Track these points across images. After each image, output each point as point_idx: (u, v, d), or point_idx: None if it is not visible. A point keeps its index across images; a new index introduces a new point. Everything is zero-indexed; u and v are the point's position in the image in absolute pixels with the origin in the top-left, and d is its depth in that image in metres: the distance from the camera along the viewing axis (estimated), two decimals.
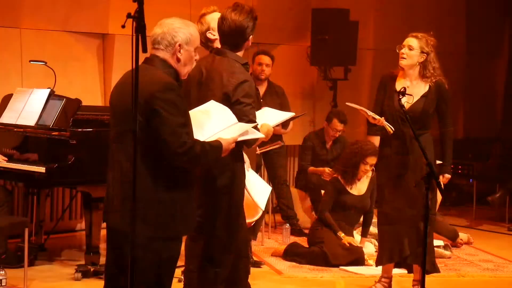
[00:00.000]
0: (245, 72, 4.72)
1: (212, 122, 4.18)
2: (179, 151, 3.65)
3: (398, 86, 5.71)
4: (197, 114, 4.19)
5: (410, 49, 5.69)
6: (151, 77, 3.68)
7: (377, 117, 5.63)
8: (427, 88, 5.75)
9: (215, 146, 3.92)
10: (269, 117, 5.01)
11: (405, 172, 5.74)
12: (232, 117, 4.28)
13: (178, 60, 3.81)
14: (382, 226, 5.96)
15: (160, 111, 3.62)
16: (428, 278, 5.45)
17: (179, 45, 3.79)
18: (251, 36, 4.78)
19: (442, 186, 5.07)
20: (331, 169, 8.00)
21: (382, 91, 5.86)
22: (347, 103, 5.86)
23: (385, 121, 5.66)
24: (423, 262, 4.75)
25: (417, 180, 5.71)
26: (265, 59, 8.15)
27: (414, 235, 5.74)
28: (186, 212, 3.80)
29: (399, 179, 5.76)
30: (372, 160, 7.16)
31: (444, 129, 5.86)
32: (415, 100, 5.73)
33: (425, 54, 5.70)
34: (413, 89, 5.74)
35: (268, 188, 6.33)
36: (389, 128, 5.62)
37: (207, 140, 3.94)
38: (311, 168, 8.36)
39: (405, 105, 5.67)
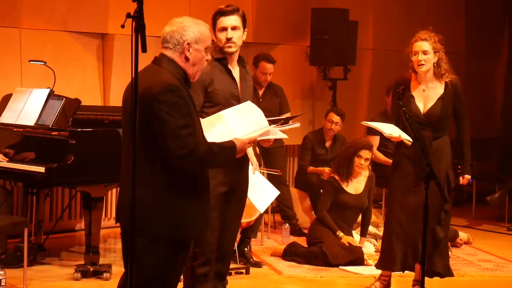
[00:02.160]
0: None
1: (243, 124, 4.16)
2: (180, 154, 3.58)
3: (414, 90, 5.69)
4: (229, 115, 4.19)
5: (426, 54, 5.64)
6: (154, 79, 3.64)
7: (394, 135, 5.53)
8: (442, 89, 5.71)
9: (226, 146, 3.84)
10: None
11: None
12: (264, 120, 4.26)
13: (187, 59, 3.74)
14: (393, 231, 5.79)
15: (160, 113, 3.57)
16: (427, 278, 5.45)
17: (188, 44, 3.72)
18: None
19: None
20: (330, 169, 8.00)
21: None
22: (362, 122, 5.84)
23: (402, 129, 5.58)
24: (423, 262, 4.74)
25: (417, 180, 5.69)
26: (270, 68, 8.14)
27: (429, 239, 5.73)
28: (195, 215, 3.74)
29: (417, 184, 5.67)
30: (366, 153, 7.17)
31: (462, 127, 5.83)
32: (432, 103, 5.69)
33: (438, 53, 5.68)
34: (429, 92, 5.71)
35: (275, 192, 6.33)
36: (407, 141, 5.55)
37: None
38: (311, 168, 8.36)
39: (420, 109, 5.65)
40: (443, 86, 5.73)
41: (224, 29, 4.88)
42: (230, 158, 3.85)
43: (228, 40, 4.87)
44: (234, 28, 4.88)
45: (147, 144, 3.61)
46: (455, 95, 5.76)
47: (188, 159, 3.61)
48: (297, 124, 4.47)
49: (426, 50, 5.64)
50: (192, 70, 3.79)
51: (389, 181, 5.97)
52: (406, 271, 6.02)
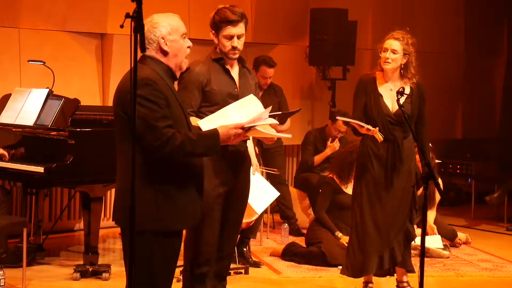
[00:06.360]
0: (194, 63, 4.86)
1: (241, 116, 4.14)
2: (155, 144, 3.66)
3: (381, 89, 5.66)
4: (231, 109, 4.20)
5: (394, 53, 5.59)
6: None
7: (372, 128, 5.47)
8: (408, 89, 5.63)
9: (208, 134, 3.88)
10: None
11: (397, 177, 5.65)
12: (262, 111, 4.20)
13: (166, 53, 3.82)
14: (368, 233, 5.73)
15: (136, 107, 3.61)
16: (427, 279, 5.45)
17: (162, 38, 3.80)
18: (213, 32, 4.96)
19: (441, 186, 5.01)
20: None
21: (362, 95, 5.71)
22: (337, 117, 5.76)
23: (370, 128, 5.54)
24: (422, 262, 4.72)
25: (413, 182, 5.68)
26: (271, 72, 8.15)
27: (403, 240, 5.72)
28: (180, 208, 3.78)
29: (390, 184, 5.67)
30: None
31: (423, 126, 5.75)
32: (401, 102, 5.62)
33: (407, 55, 5.61)
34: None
35: (275, 194, 6.28)
36: (380, 136, 5.51)
37: None
38: (317, 157, 8.37)
39: (389, 108, 5.61)
40: (409, 86, 5.66)
41: (231, 37, 4.87)
42: (214, 145, 3.87)
43: (234, 48, 4.88)
44: (240, 36, 4.89)
45: (129, 138, 3.65)
46: (420, 95, 5.70)
47: (165, 149, 3.67)
48: (289, 135, 4.50)
49: (395, 49, 5.59)
50: (174, 62, 3.86)
51: (358, 179, 5.81)
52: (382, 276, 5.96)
